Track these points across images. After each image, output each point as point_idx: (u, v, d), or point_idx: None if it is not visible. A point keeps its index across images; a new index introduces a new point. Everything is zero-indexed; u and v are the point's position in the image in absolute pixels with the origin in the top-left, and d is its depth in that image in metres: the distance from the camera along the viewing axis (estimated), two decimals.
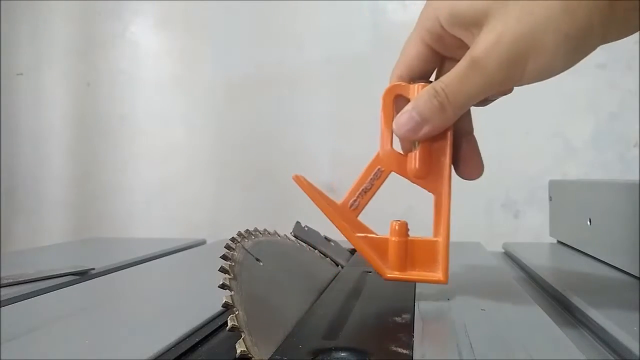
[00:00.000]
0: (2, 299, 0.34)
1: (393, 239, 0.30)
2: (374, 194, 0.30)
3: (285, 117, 0.97)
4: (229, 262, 0.26)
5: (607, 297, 0.35)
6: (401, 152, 0.30)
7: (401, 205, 0.93)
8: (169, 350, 0.24)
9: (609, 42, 0.24)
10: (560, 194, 0.61)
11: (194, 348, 0.25)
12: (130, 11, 1.07)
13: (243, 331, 0.21)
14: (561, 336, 0.25)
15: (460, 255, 0.51)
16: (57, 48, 1.10)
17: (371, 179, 0.30)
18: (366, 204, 0.30)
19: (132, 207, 1.06)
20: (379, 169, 0.30)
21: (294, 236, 0.39)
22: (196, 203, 1.02)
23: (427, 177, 0.29)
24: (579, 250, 0.53)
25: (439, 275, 0.29)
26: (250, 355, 0.20)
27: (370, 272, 0.35)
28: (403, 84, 0.29)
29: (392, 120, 0.29)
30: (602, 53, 0.86)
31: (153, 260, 0.52)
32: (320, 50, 0.96)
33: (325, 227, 0.46)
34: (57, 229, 1.10)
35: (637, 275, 0.40)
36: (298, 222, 0.40)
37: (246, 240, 0.31)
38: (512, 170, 0.90)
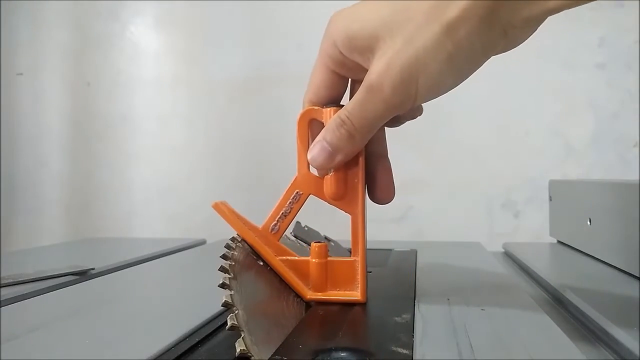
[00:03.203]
0: (2, 299, 0.34)
1: (313, 260, 0.30)
2: (293, 217, 0.31)
3: (285, 117, 0.96)
4: (228, 262, 0.26)
5: (607, 297, 0.35)
6: (318, 175, 0.31)
7: (402, 206, 0.94)
8: (169, 350, 0.24)
9: (496, 54, 0.25)
10: (560, 194, 0.61)
11: (194, 348, 0.25)
12: (130, 11, 1.07)
13: (243, 330, 0.21)
14: (561, 336, 0.25)
15: (460, 255, 0.51)
16: (57, 48, 1.10)
17: (290, 202, 0.31)
18: (286, 227, 0.31)
19: (132, 207, 1.06)
20: (297, 193, 0.31)
21: (294, 236, 0.39)
22: (196, 203, 1.02)
23: (343, 199, 0.30)
24: (579, 250, 0.53)
25: (357, 294, 0.30)
26: (250, 355, 0.20)
27: (370, 272, 0.35)
28: (316, 108, 0.30)
29: (308, 144, 0.30)
30: (602, 53, 0.87)
31: (153, 260, 0.52)
32: None
33: (326, 227, 0.46)
34: (57, 229, 1.10)
35: (637, 275, 0.40)
36: (298, 222, 0.40)
37: None
38: (512, 170, 0.90)
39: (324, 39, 0.28)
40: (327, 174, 0.30)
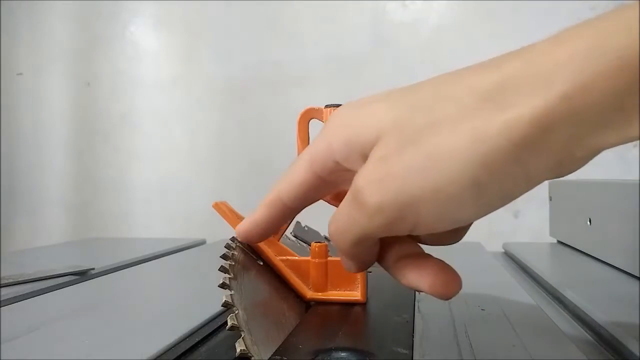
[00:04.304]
0: (2, 299, 0.34)
1: (313, 260, 0.30)
2: (293, 218, 0.31)
3: (285, 117, 0.97)
4: (228, 262, 0.26)
5: (607, 297, 0.35)
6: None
7: None
8: (169, 350, 0.24)
9: (534, 186, 0.18)
10: (560, 194, 0.61)
11: (194, 348, 0.25)
12: (130, 11, 1.07)
13: (243, 330, 0.21)
14: (561, 336, 0.25)
15: (460, 255, 0.51)
16: (57, 48, 1.10)
17: None
18: (287, 228, 0.31)
19: (132, 207, 1.06)
20: None
21: (294, 236, 0.39)
22: (196, 203, 1.02)
23: (343, 198, 0.30)
24: (579, 250, 0.53)
25: (357, 294, 0.30)
26: (250, 355, 0.20)
27: (370, 272, 0.35)
28: (316, 107, 0.30)
29: (308, 143, 0.30)
30: None
31: (153, 260, 0.52)
32: (320, 50, 0.96)
33: (326, 227, 0.46)
34: (57, 229, 1.10)
35: (637, 275, 0.40)
36: (298, 222, 0.40)
37: None
38: None
39: (318, 137, 0.23)
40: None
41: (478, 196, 0.17)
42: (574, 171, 0.18)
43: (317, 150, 0.22)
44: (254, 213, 0.26)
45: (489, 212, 0.18)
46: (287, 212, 0.25)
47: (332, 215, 0.21)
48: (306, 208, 0.32)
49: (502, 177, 0.16)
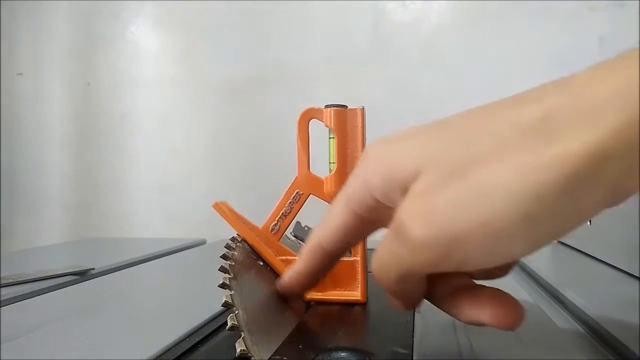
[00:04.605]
0: (2, 299, 0.34)
1: None
2: (293, 217, 0.31)
3: (285, 117, 0.97)
4: (228, 262, 0.26)
5: (607, 297, 0.35)
6: (318, 175, 0.31)
7: None
8: (169, 350, 0.24)
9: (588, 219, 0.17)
10: None
11: (194, 348, 0.25)
12: (130, 11, 1.07)
13: (243, 330, 0.21)
14: (561, 336, 0.25)
15: None
16: (57, 48, 1.10)
17: (290, 202, 0.31)
18: (287, 227, 0.31)
19: (132, 207, 1.06)
20: (297, 193, 0.31)
21: (294, 236, 0.39)
22: (196, 203, 1.02)
23: None
24: (579, 250, 0.53)
25: (357, 294, 0.30)
26: (250, 355, 0.20)
27: (370, 272, 0.35)
28: (316, 107, 0.30)
29: (308, 144, 0.30)
30: (601, 53, 0.87)
31: (153, 260, 0.52)
32: (320, 50, 0.96)
33: None
34: (57, 229, 1.10)
35: (637, 275, 0.40)
36: (298, 222, 0.40)
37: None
38: None
39: (352, 176, 0.22)
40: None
41: (529, 231, 0.16)
42: (627, 199, 0.17)
43: (353, 189, 0.22)
44: (295, 264, 0.26)
45: (540, 248, 0.17)
46: (328, 258, 0.24)
47: (374, 252, 0.20)
48: (305, 208, 0.32)
49: (553, 211, 0.16)
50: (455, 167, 0.17)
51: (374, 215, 0.22)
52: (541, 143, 0.16)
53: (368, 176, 0.21)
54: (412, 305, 0.22)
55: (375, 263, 0.20)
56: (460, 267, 0.18)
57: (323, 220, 0.24)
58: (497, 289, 0.21)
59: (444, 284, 0.22)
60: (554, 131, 0.16)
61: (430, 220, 0.17)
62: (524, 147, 0.16)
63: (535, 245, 0.17)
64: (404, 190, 0.19)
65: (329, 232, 0.23)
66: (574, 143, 0.15)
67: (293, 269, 0.26)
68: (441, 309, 0.22)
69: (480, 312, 0.20)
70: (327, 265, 0.25)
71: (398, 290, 0.21)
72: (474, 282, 0.22)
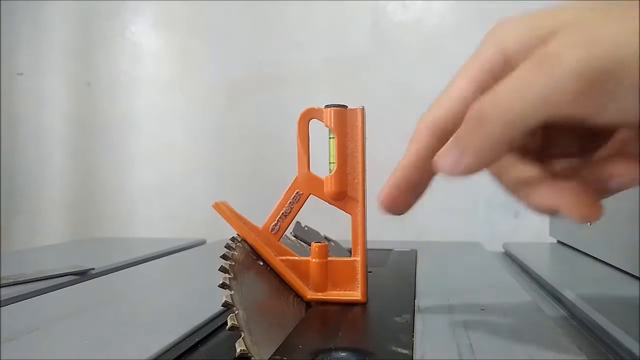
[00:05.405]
0: (2, 299, 0.34)
1: (313, 260, 0.31)
2: (293, 217, 0.31)
3: (285, 117, 0.97)
4: (229, 262, 0.26)
5: (607, 297, 0.35)
6: (318, 175, 0.31)
7: None
8: (169, 350, 0.24)
9: None
10: None
11: (194, 348, 0.25)
12: (130, 11, 1.07)
13: (243, 330, 0.21)
14: (561, 336, 0.25)
15: (460, 255, 0.51)
16: (57, 48, 1.10)
17: (290, 202, 0.31)
18: (286, 227, 0.31)
19: (132, 207, 1.06)
20: (297, 193, 0.31)
21: (294, 236, 0.39)
22: (196, 203, 1.02)
23: (343, 199, 0.30)
24: (579, 250, 0.53)
25: (357, 294, 0.30)
26: (250, 355, 0.20)
27: (370, 272, 0.35)
28: (316, 107, 0.30)
29: (308, 144, 0.30)
30: None
31: (153, 260, 0.52)
32: (320, 50, 0.96)
33: (326, 228, 0.46)
34: (57, 229, 1.10)
35: (637, 275, 0.40)
36: (298, 222, 0.40)
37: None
38: None
39: (478, 50, 0.21)
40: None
41: None
42: None
43: (477, 54, 0.20)
44: (401, 161, 0.22)
45: None
46: (440, 145, 0.21)
47: (488, 93, 0.18)
48: (305, 208, 0.32)
49: None
50: (609, 10, 0.17)
51: (494, 82, 0.19)
52: None
53: (503, 37, 0.19)
54: (480, 165, 0.19)
55: (491, 97, 0.18)
56: (597, 115, 0.17)
57: (437, 98, 0.21)
58: (577, 184, 0.19)
59: (522, 168, 0.21)
60: None
61: (589, 47, 0.16)
62: None
63: None
64: (544, 42, 0.17)
65: (445, 104, 0.21)
66: None
67: (399, 170, 0.22)
68: (509, 191, 0.21)
69: (558, 198, 0.19)
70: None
71: (493, 140, 0.18)
72: (552, 174, 0.20)
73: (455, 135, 0.20)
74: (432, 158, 0.21)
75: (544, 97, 0.17)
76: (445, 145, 0.20)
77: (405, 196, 0.23)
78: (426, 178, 0.23)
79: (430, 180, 0.23)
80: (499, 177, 0.22)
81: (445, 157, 0.20)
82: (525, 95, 0.17)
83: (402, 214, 0.24)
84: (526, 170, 0.21)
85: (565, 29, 0.17)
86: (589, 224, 0.49)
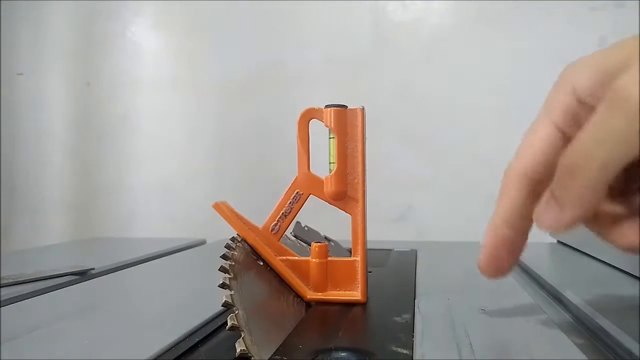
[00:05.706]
0: (2, 299, 0.34)
1: (313, 260, 0.31)
2: (293, 217, 0.31)
3: (285, 117, 0.97)
4: (229, 262, 0.26)
5: (607, 297, 0.35)
6: (318, 175, 0.31)
7: (401, 205, 0.94)
8: (169, 350, 0.24)
9: None
10: None
11: (194, 348, 0.25)
12: (130, 11, 1.07)
13: (243, 330, 0.21)
14: (561, 336, 0.25)
15: (460, 255, 0.51)
16: (57, 48, 1.10)
17: (290, 202, 0.31)
18: (287, 227, 0.31)
19: (132, 207, 1.06)
20: (297, 193, 0.31)
21: (294, 236, 0.39)
22: (196, 203, 1.02)
23: (343, 199, 0.30)
24: (579, 250, 0.53)
25: (357, 294, 0.30)
26: (250, 355, 0.20)
27: (370, 272, 0.35)
28: (316, 107, 0.30)
29: (308, 144, 0.30)
30: None
31: (153, 260, 0.52)
32: (320, 50, 0.96)
33: (326, 227, 0.46)
34: (57, 229, 1.10)
35: (637, 275, 0.40)
36: (298, 222, 0.40)
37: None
38: None
39: (551, 95, 0.21)
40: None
41: None
42: None
43: (554, 98, 0.21)
44: (494, 216, 0.23)
45: None
46: (534, 194, 0.21)
47: (568, 147, 0.18)
48: (305, 208, 0.32)
49: None
50: None
51: (574, 124, 0.20)
52: None
53: (573, 78, 0.20)
54: (584, 214, 0.19)
55: (576, 147, 0.18)
56: None
57: (520, 148, 0.22)
58: None
59: (605, 205, 0.21)
60: None
61: None
62: None
63: None
64: (615, 78, 0.18)
65: (532, 153, 0.21)
66: None
67: (493, 229, 0.22)
68: (600, 233, 0.21)
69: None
70: (535, 198, 0.21)
71: (596, 183, 0.18)
72: (633, 210, 0.20)
73: (549, 190, 0.20)
74: (525, 211, 0.21)
75: (625, 138, 0.17)
76: (542, 202, 0.20)
77: (507, 256, 0.23)
78: (522, 232, 0.23)
79: (527, 234, 0.23)
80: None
81: (546, 214, 0.20)
82: (608, 139, 0.17)
83: (505, 276, 0.24)
84: (608, 207, 0.21)
85: (635, 63, 0.17)
86: None
